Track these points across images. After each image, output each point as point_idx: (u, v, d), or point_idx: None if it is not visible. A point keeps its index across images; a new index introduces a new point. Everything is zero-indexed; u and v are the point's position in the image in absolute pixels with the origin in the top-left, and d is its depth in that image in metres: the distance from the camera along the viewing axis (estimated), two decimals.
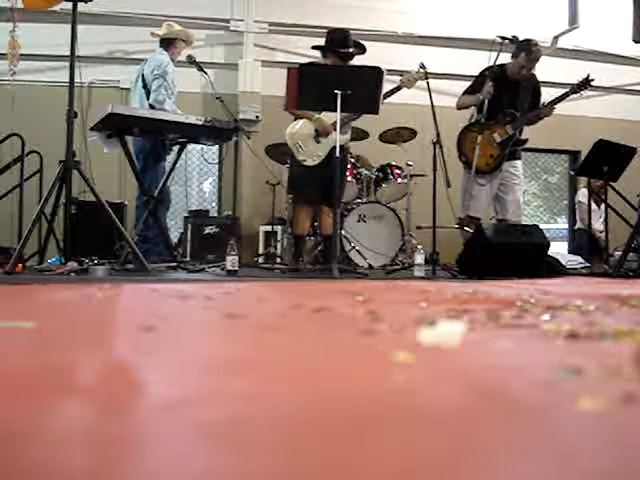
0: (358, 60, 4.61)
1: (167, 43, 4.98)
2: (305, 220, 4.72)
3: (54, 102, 4.95)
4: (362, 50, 4.63)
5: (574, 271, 4.72)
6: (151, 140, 4.72)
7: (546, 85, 4.96)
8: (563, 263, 4.74)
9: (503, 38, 4.57)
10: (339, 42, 4.54)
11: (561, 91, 4.72)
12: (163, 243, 4.72)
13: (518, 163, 4.90)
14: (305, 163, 4.55)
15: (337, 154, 3.97)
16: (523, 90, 4.72)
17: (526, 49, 4.66)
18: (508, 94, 4.70)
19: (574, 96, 4.87)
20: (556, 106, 4.66)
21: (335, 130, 4.21)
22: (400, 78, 4.60)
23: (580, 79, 4.68)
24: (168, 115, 4.36)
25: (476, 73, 4.90)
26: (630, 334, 1.22)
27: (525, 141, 4.85)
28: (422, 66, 4.67)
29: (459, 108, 4.85)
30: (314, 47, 4.66)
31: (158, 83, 4.78)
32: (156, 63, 4.85)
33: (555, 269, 4.43)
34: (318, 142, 4.52)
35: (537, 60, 4.71)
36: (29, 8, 4.59)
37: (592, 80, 4.64)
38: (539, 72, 4.91)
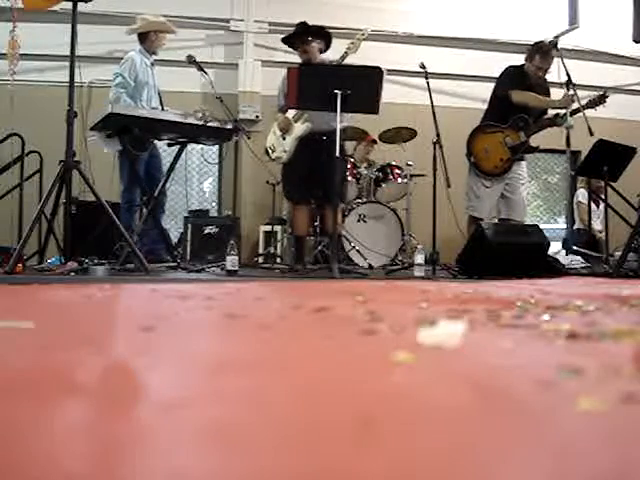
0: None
1: (141, 37, 4.85)
2: (304, 220, 4.73)
3: (54, 102, 4.94)
4: (317, 29, 4.64)
5: (574, 271, 4.72)
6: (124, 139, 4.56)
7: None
8: (564, 263, 4.74)
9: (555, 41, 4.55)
10: (291, 35, 4.65)
11: (560, 91, 4.71)
12: (161, 243, 4.73)
13: (523, 164, 4.90)
14: (278, 161, 4.69)
15: (337, 154, 3.96)
16: (537, 94, 4.69)
17: (539, 51, 4.64)
18: None
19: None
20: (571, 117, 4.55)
21: (296, 122, 4.44)
22: (346, 44, 4.47)
23: (597, 95, 4.61)
24: (168, 115, 4.36)
25: (476, 73, 4.90)
26: (630, 334, 1.22)
27: (536, 148, 4.83)
28: (422, 66, 4.66)
29: (518, 103, 4.62)
30: (283, 41, 4.74)
31: (115, 82, 4.68)
32: (123, 60, 4.78)
33: (555, 269, 4.43)
34: (284, 138, 4.61)
35: (551, 61, 4.67)
36: (29, 8, 4.58)
37: (607, 96, 4.58)
38: None
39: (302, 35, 4.59)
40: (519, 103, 4.62)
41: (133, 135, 4.17)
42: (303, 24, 4.63)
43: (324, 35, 4.63)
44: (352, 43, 4.46)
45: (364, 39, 4.49)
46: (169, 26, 4.95)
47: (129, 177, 4.62)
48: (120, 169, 4.67)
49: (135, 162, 4.48)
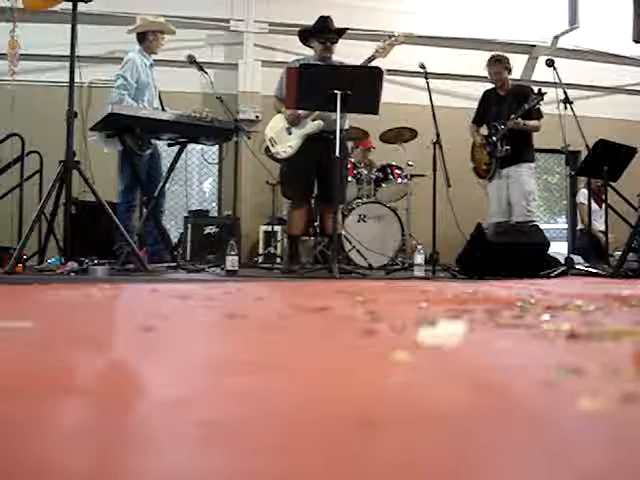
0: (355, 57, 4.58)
1: (140, 38, 4.77)
2: (301, 220, 4.65)
3: (54, 102, 4.95)
4: (343, 31, 4.55)
5: (574, 271, 4.72)
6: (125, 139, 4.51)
7: (546, 85, 4.96)
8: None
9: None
10: (319, 28, 4.50)
11: (560, 91, 4.72)
12: (162, 244, 4.73)
13: (524, 166, 5.02)
14: (278, 156, 4.51)
15: (337, 154, 3.95)
16: (508, 104, 4.94)
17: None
18: (495, 108, 5.01)
19: (574, 95, 4.88)
20: (524, 121, 4.84)
21: (305, 118, 4.33)
22: (375, 46, 4.47)
23: (535, 93, 4.80)
24: (168, 115, 4.35)
25: (476, 73, 4.94)
26: (630, 334, 1.22)
27: (506, 151, 4.94)
28: (422, 66, 4.67)
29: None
30: (300, 33, 4.59)
31: (117, 83, 4.58)
32: (123, 61, 4.68)
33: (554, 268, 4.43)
34: (290, 133, 4.45)
35: (493, 65, 5.01)
36: (29, 8, 4.58)
37: (545, 93, 4.74)
38: (539, 72, 4.91)
39: (332, 33, 4.47)
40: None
41: (135, 135, 4.16)
42: (330, 20, 4.49)
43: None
44: (383, 48, 4.44)
45: (397, 44, 4.48)
46: (168, 26, 4.86)
47: (129, 177, 4.57)
48: (120, 169, 4.65)
49: (136, 162, 4.46)
